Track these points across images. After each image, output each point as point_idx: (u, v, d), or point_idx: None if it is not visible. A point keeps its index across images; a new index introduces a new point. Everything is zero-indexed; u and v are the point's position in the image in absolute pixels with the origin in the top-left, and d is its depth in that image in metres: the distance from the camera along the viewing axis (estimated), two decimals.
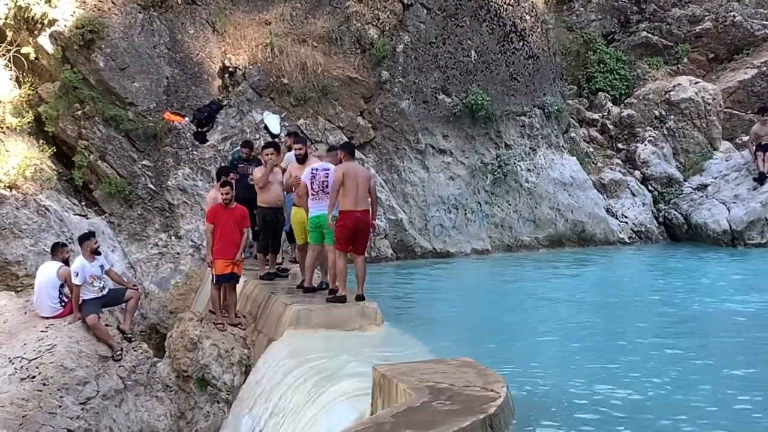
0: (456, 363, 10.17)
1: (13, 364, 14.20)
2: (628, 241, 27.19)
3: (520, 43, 26.69)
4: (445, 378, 9.35)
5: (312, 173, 15.11)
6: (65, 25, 20.96)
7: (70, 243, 17.77)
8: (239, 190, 16.57)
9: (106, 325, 15.46)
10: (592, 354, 13.97)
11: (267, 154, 16.78)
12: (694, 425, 10.22)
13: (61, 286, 15.40)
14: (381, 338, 14.19)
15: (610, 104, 30.70)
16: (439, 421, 7.87)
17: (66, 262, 15.62)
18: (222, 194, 15.52)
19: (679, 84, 30.17)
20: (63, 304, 15.42)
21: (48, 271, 15.49)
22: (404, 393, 8.89)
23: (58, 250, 16.08)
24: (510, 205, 25.75)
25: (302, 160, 16.13)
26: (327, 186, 14.92)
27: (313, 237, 15.30)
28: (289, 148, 17.66)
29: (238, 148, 20.07)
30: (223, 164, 20.27)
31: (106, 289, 15.50)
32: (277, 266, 17.58)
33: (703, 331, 15.68)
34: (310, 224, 15.24)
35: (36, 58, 21.24)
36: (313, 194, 15.08)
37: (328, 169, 15.08)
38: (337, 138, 22.97)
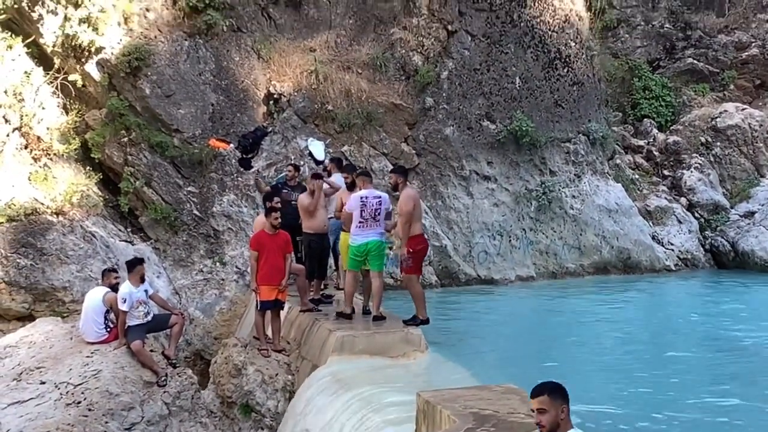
0: (500, 390, 10.11)
1: (59, 389, 14.24)
2: (674, 268, 26.91)
3: (565, 70, 26.64)
4: (489, 405, 9.29)
5: (362, 201, 14.95)
6: (112, 53, 21.17)
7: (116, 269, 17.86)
8: (283, 216, 16.60)
9: (151, 351, 15.48)
10: (640, 384, 13.82)
11: (315, 184, 16.75)
12: None
13: (107, 311, 15.46)
14: (425, 365, 14.13)
15: (655, 131, 30.55)
16: None
17: (114, 288, 15.62)
18: (272, 219, 15.44)
19: (726, 110, 30.01)
20: (108, 329, 15.47)
21: (94, 297, 15.55)
22: (448, 419, 8.84)
23: (106, 276, 16.17)
24: (555, 231, 25.63)
25: (350, 187, 16.25)
26: (379, 213, 14.93)
27: (352, 264, 15.24)
28: (329, 174, 18.31)
29: (284, 173, 20.08)
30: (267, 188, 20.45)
31: (151, 315, 15.53)
32: (321, 293, 17.57)
33: (755, 365, 15.43)
34: (354, 251, 15.06)
35: (83, 86, 21.48)
36: (361, 221, 14.93)
37: (380, 197, 15.08)
38: (381, 164, 23.01)
